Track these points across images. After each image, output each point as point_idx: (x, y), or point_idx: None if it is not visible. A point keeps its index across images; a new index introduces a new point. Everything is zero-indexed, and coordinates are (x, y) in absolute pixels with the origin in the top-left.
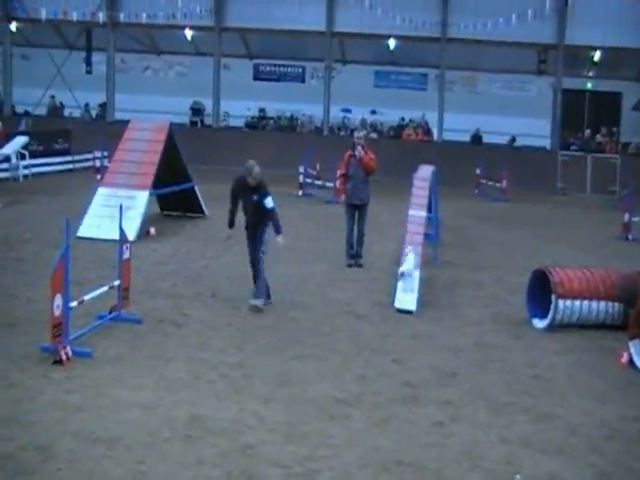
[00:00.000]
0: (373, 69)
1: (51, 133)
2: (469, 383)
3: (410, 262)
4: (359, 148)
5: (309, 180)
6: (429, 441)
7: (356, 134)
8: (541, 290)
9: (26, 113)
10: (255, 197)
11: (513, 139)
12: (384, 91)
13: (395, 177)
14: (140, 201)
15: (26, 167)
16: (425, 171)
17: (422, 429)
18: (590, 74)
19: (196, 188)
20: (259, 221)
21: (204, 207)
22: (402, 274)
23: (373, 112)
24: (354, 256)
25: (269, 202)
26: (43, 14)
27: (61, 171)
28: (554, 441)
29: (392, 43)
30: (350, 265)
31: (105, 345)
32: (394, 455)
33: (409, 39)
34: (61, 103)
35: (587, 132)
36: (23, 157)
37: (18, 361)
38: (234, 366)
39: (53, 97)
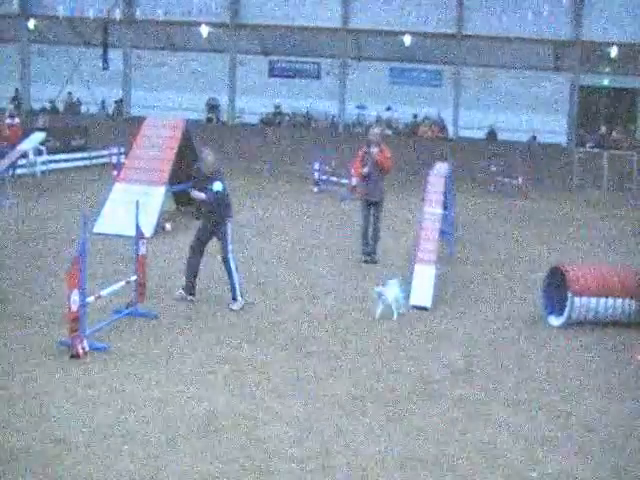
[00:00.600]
0: (388, 66)
1: (68, 129)
2: (484, 380)
3: (393, 290)
4: (374, 145)
5: (324, 177)
6: (444, 438)
7: (371, 131)
8: (557, 287)
9: (43, 109)
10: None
11: (534, 137)
12: (399, 88)
13: (410, 174)
14: (156, 197)
15: (43, 163)
16: (441, 168)
17: (438, 426)
18: (607, 71)
19: None
20: (219, 217)
21: None
22: (379, 294)
23: (388, 109)
24: (369, 252)
25: (217, 185)
26: (60, 11)
27: (78, 167)
28: (570, 438)
29: (407, 40)
30: (365, 261)
31: (121, 340)
32: (410, 451)
33: (424, 36)
34: (78, 99)
35: (603, 129)
36: (40, 153)
37: (35, 355)
38: (249, 362)
39: (70, 94)
